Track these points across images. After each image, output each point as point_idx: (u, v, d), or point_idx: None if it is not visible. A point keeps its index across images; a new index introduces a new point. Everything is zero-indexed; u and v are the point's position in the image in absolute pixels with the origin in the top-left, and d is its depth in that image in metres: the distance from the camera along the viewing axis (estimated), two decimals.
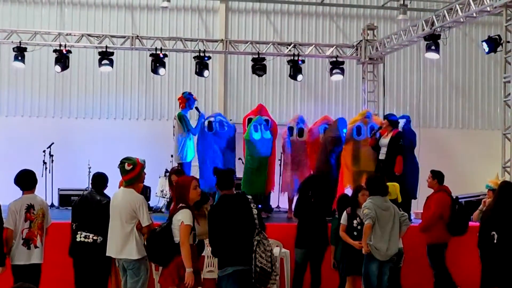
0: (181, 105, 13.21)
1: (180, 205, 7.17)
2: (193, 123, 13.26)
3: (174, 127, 13.29)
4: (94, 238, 8.35)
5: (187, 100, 13.14)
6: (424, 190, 12.73)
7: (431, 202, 10.35)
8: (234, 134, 13.57)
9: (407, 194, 11.66)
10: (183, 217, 7.05)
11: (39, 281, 8.19)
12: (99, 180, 8.80)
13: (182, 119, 12.92)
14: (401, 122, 12.86)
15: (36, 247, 8.10)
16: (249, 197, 7.63)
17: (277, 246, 9.69)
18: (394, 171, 11.72)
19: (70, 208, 9.10)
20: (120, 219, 7.65)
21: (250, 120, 13.75)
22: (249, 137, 12.86)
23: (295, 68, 16.24)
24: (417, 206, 14.37)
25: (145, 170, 8.10)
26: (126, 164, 7.74)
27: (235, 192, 7.64)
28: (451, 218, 10.12)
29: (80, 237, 8.45)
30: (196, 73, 16.12)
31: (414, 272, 10.62)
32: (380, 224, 8.54)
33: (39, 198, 8.31)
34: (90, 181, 9.18)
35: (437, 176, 10.41)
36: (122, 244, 7.63)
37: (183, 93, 13.49)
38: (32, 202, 8.11)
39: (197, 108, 13.47)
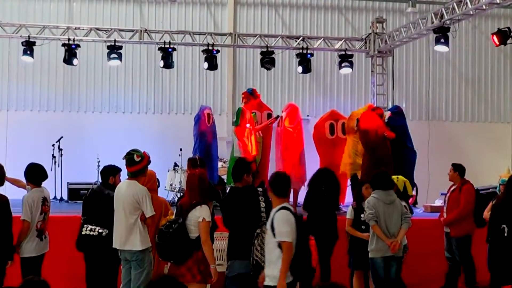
0: (244, 100, 13.32)
1: (195, 201, 7.13)
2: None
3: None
4: (99, 231, 8.40)
5: (250, 96, 13.37)
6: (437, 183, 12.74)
7: (460, 195, 10.28)
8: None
9: None
10: (204, 213, 7.03)
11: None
12: (106, 172, 8.85)
13: (238, 112, 12.97)
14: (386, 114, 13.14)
15: (45, 237, 8.33)
16: (260, 189, 7.58)
17: None
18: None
19: (79, 201, 9.16)
20: (124, 211, 7.68)
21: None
22: None
23: (301, 61, 16.19)
24: (426, 199, 14.40)
25: (154, 164, 8.16)
26: (136, 155, 7.78)
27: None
28: (476, 210, 10.14)
29: (86, 230, 8.52)
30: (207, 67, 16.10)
31: (417, 267, 10.61)
32: (383, 219, 8.54)
33: (46, 189, 8.49)
34: (100, 175, 9.23)
35: (458, 169, 10.40)
36: (126, 236, 7.67)
37: (248, 89, 13.89)
38: (44, 194, 8.31)
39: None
